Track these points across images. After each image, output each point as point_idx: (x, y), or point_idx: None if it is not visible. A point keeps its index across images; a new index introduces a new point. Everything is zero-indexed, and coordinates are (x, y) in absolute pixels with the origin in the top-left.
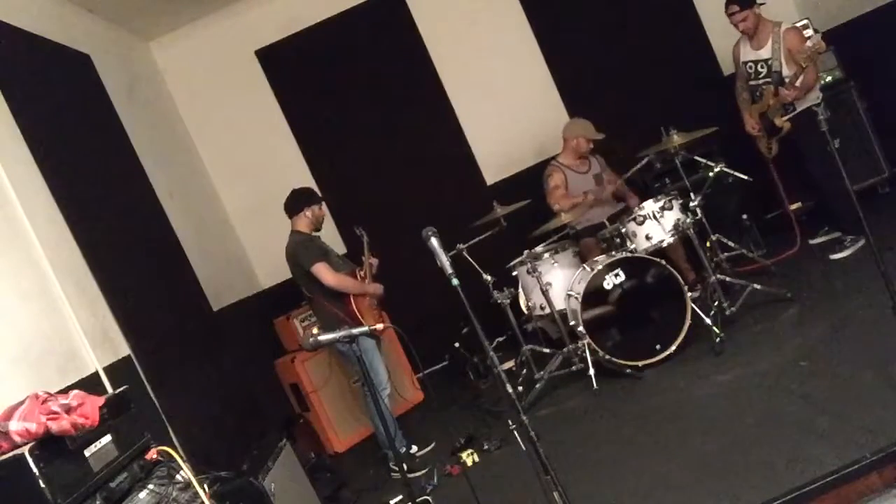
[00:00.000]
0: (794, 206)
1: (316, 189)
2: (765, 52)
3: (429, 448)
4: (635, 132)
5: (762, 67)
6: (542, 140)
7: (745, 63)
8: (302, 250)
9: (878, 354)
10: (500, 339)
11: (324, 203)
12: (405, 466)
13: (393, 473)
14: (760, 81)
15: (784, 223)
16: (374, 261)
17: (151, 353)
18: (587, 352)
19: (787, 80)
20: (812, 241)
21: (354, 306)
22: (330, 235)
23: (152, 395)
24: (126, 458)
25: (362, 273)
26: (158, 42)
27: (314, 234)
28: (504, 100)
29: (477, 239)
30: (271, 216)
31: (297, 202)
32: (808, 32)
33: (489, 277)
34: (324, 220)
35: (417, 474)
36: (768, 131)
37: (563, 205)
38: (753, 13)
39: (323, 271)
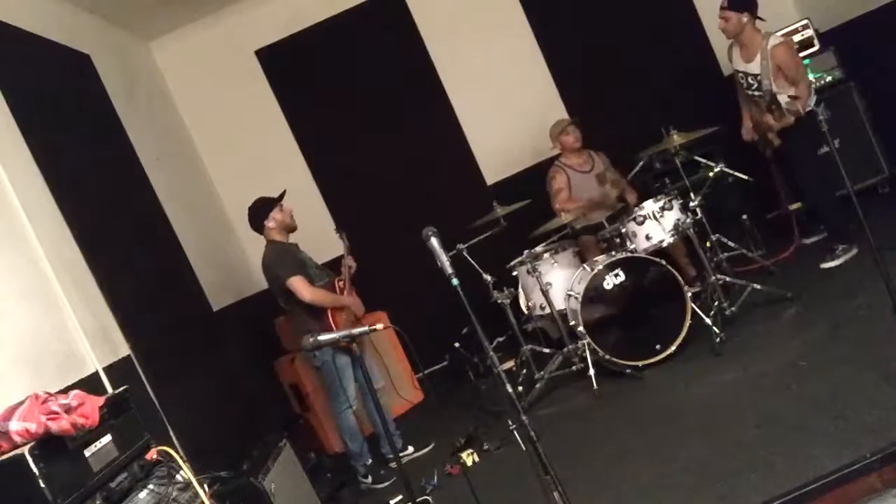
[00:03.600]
0: (794, 206)
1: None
2: (754, 67)
3: (428, 448)
4: (635, 132)
5: (753, 81)
6: (542, 140)
7: (737, 72)
8: (277, 263)
9: (878, 354)
10: (500, 339)
11: (281, 202)
12: (370, 478)
13: (362, 484)
14: (753, 93)
15: (784, 223)
16: (352, 264)
17: (151, 353)
18: (587, 352)
19: (776, 94)
20: (805, 241)
21: (331, 320)
22: (329, 235)
23: (152, 395)
24: (126, 458)
25: (341, 283)
26: (158, 42)
27: (289, 240)
28: (504, 100)
29: (477, 239)
30: None
31: (256, 217)
32: (799, 37)
33: (489, 277)
34: (292, 217)
35: (384, 485)
36: (763, 140)
37: (567, 208)
38: (739, 19)
39: (299, 285)
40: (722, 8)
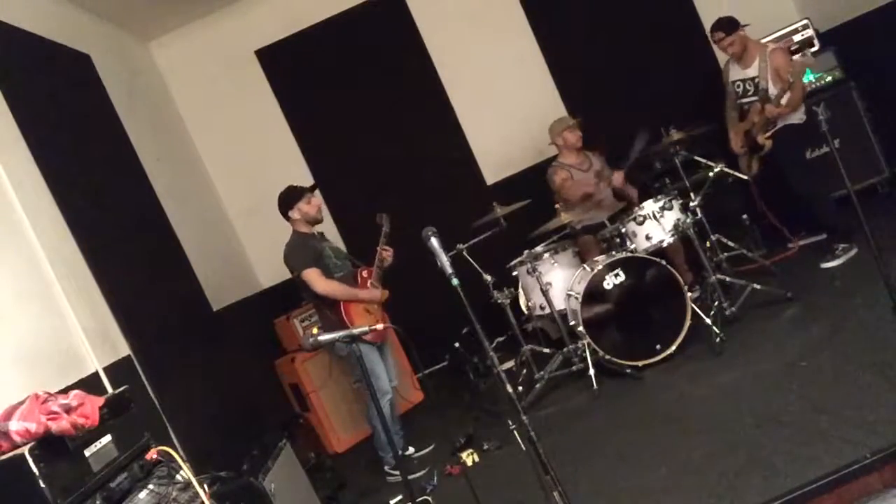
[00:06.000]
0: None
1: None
2: (752, 71)
3: (427, 449)
4: (635, 132)
5: (749, 86)
6: (542, 140)
7: (734, 82)
8: (293, 254)
9: (878, 354)
10: (500, 339)
11: (311, 194)
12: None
13: (389, 477)
14: (748, 100)
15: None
16: (387, 253)
17: (151, 354)
18: (587, 352)
19: (772, 98)
20: (789, 245)
21: (344, 312)
22: (330, 235)
23: (152, 395)
24: (126, 458)
25: (365, 273)
26: (158, 42)
27: (315, 230)
28: (504, 100)
29: (477, 239)
30: (271, 216)
31: (283, 206)
32: (799, 37)
33: (489, 277)
34: (319, 210)
35: (416, 475)
36: (751, 149)
37: (575, 194)
38: (740, 36)
39: (312, 277)
40: (720, 40)
